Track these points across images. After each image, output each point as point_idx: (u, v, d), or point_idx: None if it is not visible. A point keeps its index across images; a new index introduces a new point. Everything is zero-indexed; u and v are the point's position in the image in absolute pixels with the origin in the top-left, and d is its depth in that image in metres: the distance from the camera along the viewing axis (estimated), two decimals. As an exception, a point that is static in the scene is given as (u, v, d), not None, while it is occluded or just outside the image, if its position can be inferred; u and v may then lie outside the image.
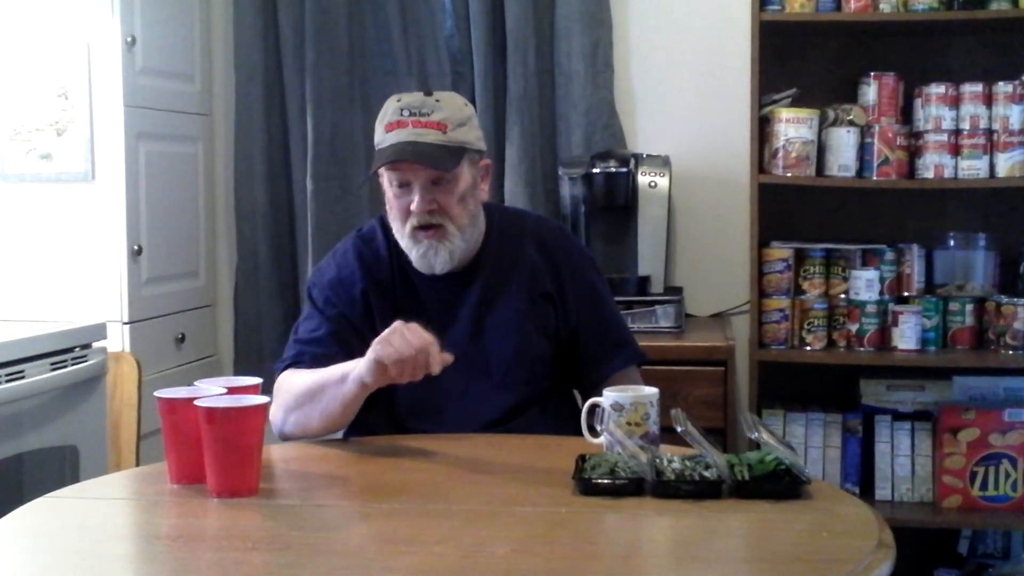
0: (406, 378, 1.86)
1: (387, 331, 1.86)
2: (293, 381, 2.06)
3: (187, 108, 3.34)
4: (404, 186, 2.08)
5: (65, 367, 2.62)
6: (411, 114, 2.06)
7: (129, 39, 3.01)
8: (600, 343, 2.20)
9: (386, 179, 2.10)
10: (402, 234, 2.11)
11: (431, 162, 2.04)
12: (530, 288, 2.18)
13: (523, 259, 2.19)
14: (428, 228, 2.08)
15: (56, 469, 2.62)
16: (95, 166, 3.01)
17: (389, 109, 2.09)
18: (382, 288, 2.16)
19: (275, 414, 2.04)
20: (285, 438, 2.07)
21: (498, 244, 2.19)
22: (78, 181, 3.02)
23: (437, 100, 2.08)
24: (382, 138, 2.08)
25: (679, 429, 1.72)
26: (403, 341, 1.84)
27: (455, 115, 2.08)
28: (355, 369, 1.91)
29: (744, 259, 3.01)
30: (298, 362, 2.09)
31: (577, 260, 2.25)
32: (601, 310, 2.25)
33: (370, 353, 1.87)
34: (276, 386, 2.08)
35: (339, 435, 2.28)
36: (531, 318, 2.17)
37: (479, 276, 2.16)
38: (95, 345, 2.73)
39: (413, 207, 2.06)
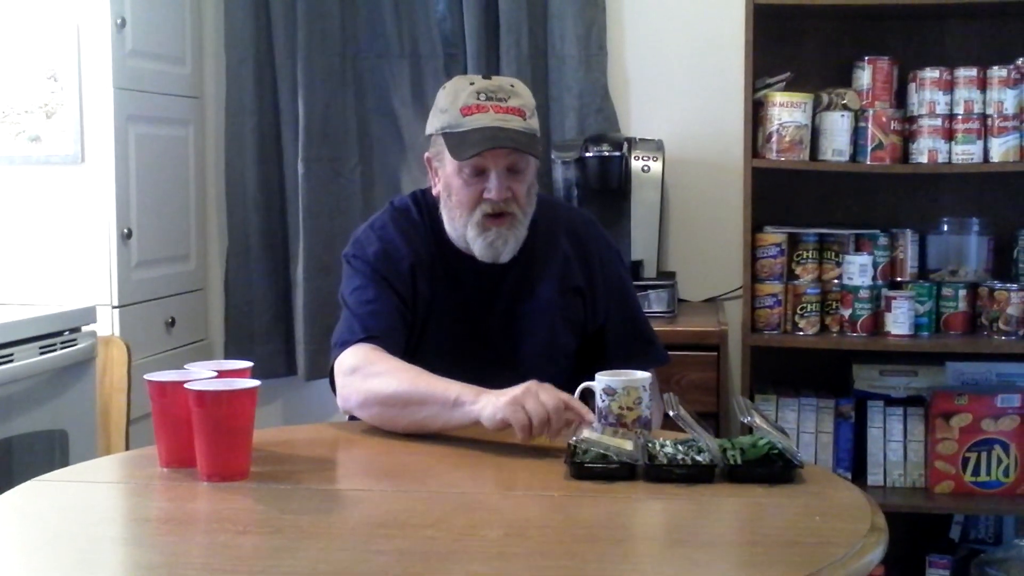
0: (533, 436, 1.77)
1: (520, 391, 1.77)
2: (386, 373, 1.93)
3: (177, 90, 3.32)
4: (479, 173, 2.02)
5: (54, 351, 2.61)
6: (488, 98, 2.00)
7: (119, 21, 2.99)
8: (627, 341, 2.17)
9: (454, 164, 2.03)
10: (465, 222, 2.05)
11: (529, 148, 2.00)
12: (561, 280, 2.14)
13: (557, 250, 2.16)
14: (499, 216, 2.03)
15: (45, 453, 2.61)
16: (84, 149, 2.99)
17: (463, 92, 2.02)
18: (424, 266, 2.10)
19: (350, 390, 1.94)
20: (348, 413, 2.00)
21: (534, 234, 2.12)
22: (67, 164, 2.99)
23: (512, 85, 2.05)
24: (457, 121, 2.01)
25: (672, 413, 1.71)
26: (537, 406, 1.75)
27: (529, 102, 2.04)
28: (474, 405, 1.81)
29: (737, 244, 3.00)
30: (371, 337, 1.99)
31: (607, 254, 2.23)
32: (629, 307, 2.23)
33: (499, 410, 1.77)
34: (355, 362, 1.96)
35: (344, 416, 2.27)
36: (560, 311, 2.13)
37: (517, 266, 2.11)
38: (84, 329, 2.71)
39: (491, 194, 2.01)
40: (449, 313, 2.11)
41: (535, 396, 1.76)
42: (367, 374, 1.94)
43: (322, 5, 3.31)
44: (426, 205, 2.15)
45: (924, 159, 2.89)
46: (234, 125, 3.40)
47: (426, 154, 2.13)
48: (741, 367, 2.94)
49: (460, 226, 2.06)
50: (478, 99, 2.00)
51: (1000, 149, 2.86)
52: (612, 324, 2.18)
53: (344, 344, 2.00)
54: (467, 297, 2.11)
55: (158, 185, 3.20)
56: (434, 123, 2.07)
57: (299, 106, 3.31)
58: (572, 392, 1.87)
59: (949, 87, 2.90)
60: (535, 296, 2.12)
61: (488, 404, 1.80)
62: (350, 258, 2.13)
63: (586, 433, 1.70)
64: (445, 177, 2.07)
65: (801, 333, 2.97)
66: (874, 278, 2.95)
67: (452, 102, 2.03)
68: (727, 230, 3.17)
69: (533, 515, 1.54)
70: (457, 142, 2.01)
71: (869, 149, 2.91)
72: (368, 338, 1.99)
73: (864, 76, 2.96)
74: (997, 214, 3.07)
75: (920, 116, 2.91)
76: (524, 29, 3.22)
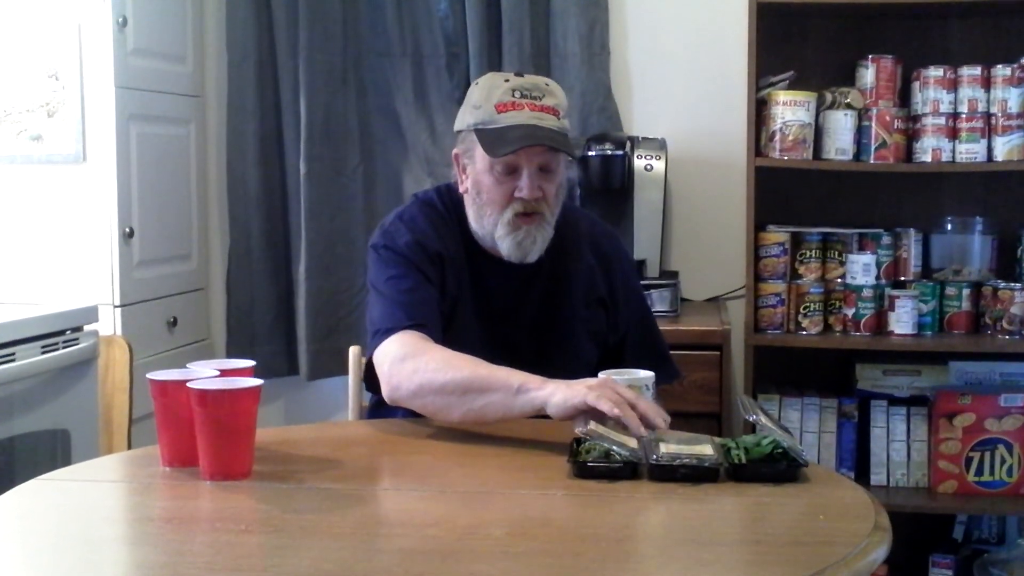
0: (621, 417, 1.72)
1: (595, 381, 1.76)
2: (441, 360, 1.87)
3: (179, 89, 3.32)
4: (511, 172, 1.99)
5: (56, 350, 2.60)
6: (523, 95, 1.97)
7: (120, 20, 2.98)
8: (645, 356, 2.14)
9: (485, 162, 2.00)
10: (495, 220, 2.02)
11: (565, 147, 1.98)
12: (586, 291, 2.13)
13: (581, 261, 2.14)
14: (530, 215, 2.00)
15: (47, 453, 2.60)
16: (86, 148, 2.99)
17: (497, 88, 1.99)
18: (452, 262, 2.07)
19: (401, 378, 1.88)
20: (396, 403, 1.93)
21: (559, 242, 2.09)
22: (69, 163, 2.99)
23: (547, 84, 2.02)
24: (492, 118, 1.98)
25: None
26: (623, 394, 1.73)
27: (563, 102, 2.02)
28: (540, 391, 1.77)
29: (740, 243, 3.00)
30: (417, 325, 1.93)
31: (628, 269, 2.23)
32: (647, 321, 2.23)
33: (575, 395, 1.73)
34: (404, 349, 1.90)
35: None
36: (585, 322, 2.12)
37: (542, 273, 2.09)
38: (86, 328, 2.71)
39: (523, 193, 1.98)
40: (473, 313, 2.07)
41: (614, 387, 1.73)
42: (420, 362, 1.88)
43: (324, 4, 3.30)
44: (451, 201, 2.12)
45: (928, 158, 2.89)
46: (236, 124, 3.40)
47: (455, 150, 2.09)
48: (744, 367, 2.93)
49: (489, 224, 2.03)
50: (513, 96, 1.97)
51: (1004, 148, 2.85)
52: (631, 338, 2.17)
53: (388, 332, 1.94)
54: (492, 301, 2.08)
55: (160, 184, 3.20)
56: (466, 119, 2.04)
57: (301, 105, 3.31)
58: None
59: (953, 86, 2.89)
60: (561, 306, 2.11)
61: (558, 391, 1.76)
62: (380, 248, 2.07)
63: (593, 424, 1.70)
64: (475, 174, 2.03)
65: (804, 333, 2.96)
66: (877, 277, 2.94)
67: (486, 98, 2.00)
68: (730, 229, 3.17)
69: (536, 514, 1.53)
70: (492, 139, 1.97)
71: (872, 148, 2.90)
72: (414, 325, 1.94)
73: (868, 75, 2.95)
74: (1001, 213, 3.07)
75: (924, 115, 2.90)
76: (526, 28, 3.22)
